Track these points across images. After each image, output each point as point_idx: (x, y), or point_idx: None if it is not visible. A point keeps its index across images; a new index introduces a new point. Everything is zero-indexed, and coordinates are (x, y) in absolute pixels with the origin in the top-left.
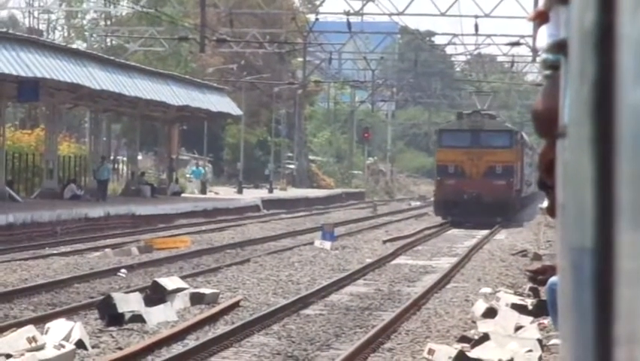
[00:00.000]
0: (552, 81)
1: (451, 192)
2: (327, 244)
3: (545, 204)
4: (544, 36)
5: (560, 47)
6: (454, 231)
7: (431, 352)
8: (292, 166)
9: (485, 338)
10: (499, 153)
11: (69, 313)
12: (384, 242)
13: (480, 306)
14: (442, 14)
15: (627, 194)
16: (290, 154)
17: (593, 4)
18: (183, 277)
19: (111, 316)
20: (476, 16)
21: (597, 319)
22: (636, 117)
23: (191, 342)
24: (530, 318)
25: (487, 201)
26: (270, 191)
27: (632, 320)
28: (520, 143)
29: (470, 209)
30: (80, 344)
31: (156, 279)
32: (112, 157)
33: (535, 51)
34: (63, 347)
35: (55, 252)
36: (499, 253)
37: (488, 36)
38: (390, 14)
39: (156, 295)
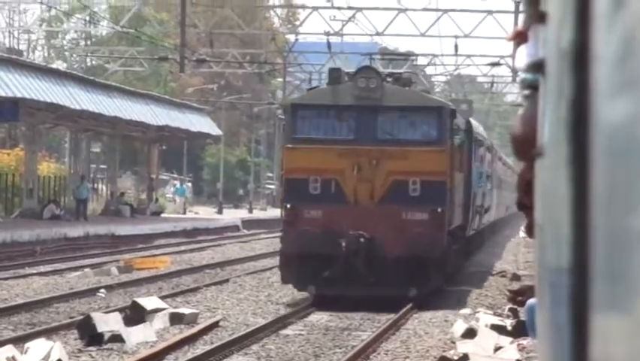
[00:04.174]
0: (530, 105)
1: (314, 237)
2: None
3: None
4: (524, 56)
5: (538, 67)
6: (318, 317)
7: None
8: (272, 186)
9: (465, 358)
10: (417, 156)
11: (48, 333)
12: None
13: (459, 327)
14: (422, 34)
15: (603, 214)
16: (270, 174)
17: (569, 23)
18: (163, 297)
19: (90, 336)
20: (456, 37)
21: (573, 339)
22: (611, 134)
23: None
24: (510, 338)
25: (391, 254)
26: (250, 211)
27: (606, 340)
28: (463, 135)
29: (354, 271)
30: None
31: (135, 299)
32: (92, 176)
33: (514, 71)
34: None
35: (34, 271)
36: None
37: (468, 56)
38: (371, 34)
39: (136, 315)
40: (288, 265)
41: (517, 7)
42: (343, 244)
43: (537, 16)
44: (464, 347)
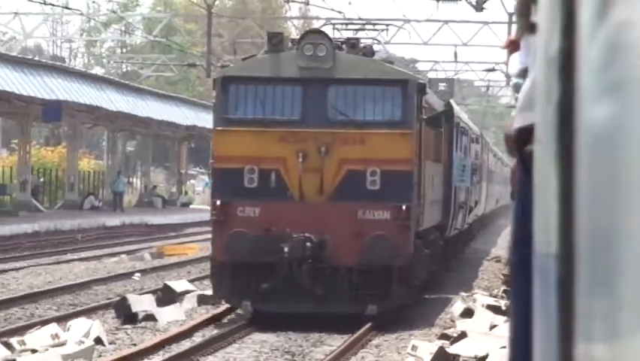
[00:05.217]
0: None
1: (249, 241)
2: None
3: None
4: (516, 63)
5: (528, 73)
6: (258, 337)
7: (414, 348)
8: None
9: (463, 335)
10: (377, 140)
11: (88, 312)
12: None
13: (458, 307)
14: (425, 43)
15: (586, 204)
16: None
17: (556, 32)
18: (191, 281)
19: (126, 315)
20: (455, 45)
21: (561, 319)
22: (593, 134)
23: (198, 339)
24: (504, 318)
25: (344, 262)
26: None
27: (590, 320)
28: (440, 118)
29: (300, 282)
30: (98, 341)
31: (167, 282)
32: (127, 171)
33: (508, 76)
34: (83, 343)
35: (76, 257)
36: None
37: (466, 63)
38: (378, 43)
39: (167, 296)
40: (219, 274)
41: (510, 18)
42: (285, 249)
43: (528, 27)
44: (463, 325)
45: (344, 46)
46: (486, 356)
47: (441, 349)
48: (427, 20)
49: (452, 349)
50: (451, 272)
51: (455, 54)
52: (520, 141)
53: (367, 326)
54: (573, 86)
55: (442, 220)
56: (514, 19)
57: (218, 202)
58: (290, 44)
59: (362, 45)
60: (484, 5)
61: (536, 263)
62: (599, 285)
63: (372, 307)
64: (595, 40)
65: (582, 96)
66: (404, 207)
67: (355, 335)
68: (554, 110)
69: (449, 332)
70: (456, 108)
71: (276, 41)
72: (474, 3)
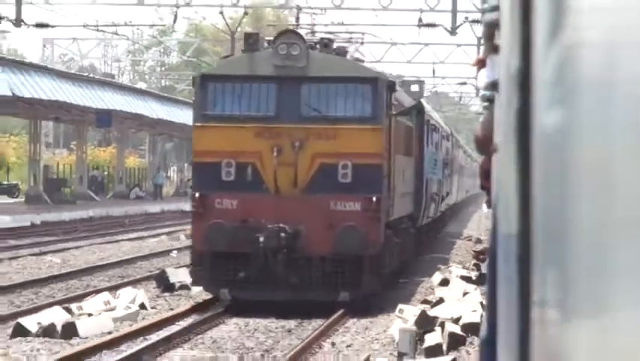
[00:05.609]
0: (488, 114)
1: (227, 232)
2: None
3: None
4: (484, 77)
5: (494, 86)
6: (234, 325)
7: (401, 311)
8: None
9: (441, 300)
10: (348, 135)
11: (134, 283)
12: None
13: (437, 278)
14: (409, 62)
15: (540, 194)
16: None
17: (516, 54)
18: None
19: (165, 285)
20: (433, 63)
21: (520, 288)
22: (546, 137)
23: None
24: (474, 286)
25: (317, 251)
26: None
27: (543, 289)
28: (411, 115)
29: (275, 270)
30: (142, 306)
31: None
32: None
33: (477, 89)
34: (130, 308)
35: (124, 238)
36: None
37: (443, 78)
38: (370, 62)
39: None
40: (199, 264)
41: (479, 41)
42: (261, 239)
43: (493, 48)
44: (441, 292)
45: (318, 45)
46: (460, 318)
47: (423, 312)
48: (411, 43)
49: (432, 312)
50: (423, 256)
51: (433, 70)
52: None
53: (340, 312)
54: (529, 98)
55: (414, 210)
56: (482, 42)
57: (197, 195)
58: (266, 44)
59: (335, 46)
60: (457, 30)
61: (500, 242)
62: (550, 260)
63: (344, 294)
64: (547, 60)
65: (537, 106)
66: (374, 198)
67: (330, 320)
68: (514, 118)
69: (429, 298)
70: (427, 107)
71: (252, 41)
72: (449, 28)
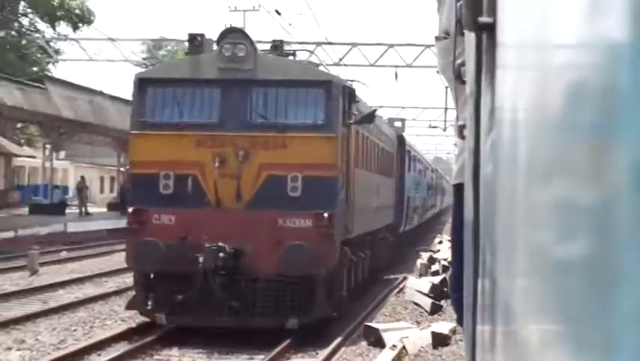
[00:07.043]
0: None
1: (164, 250)
2: None
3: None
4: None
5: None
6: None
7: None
8: None
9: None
10: (299, 144)
11: None
12: None
13: (425, 255)
14: (371, 65)
15: (483, 205)
16: None
17: (471, 138)
18: None
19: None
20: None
21: (473, 261)
22: (484, 174)
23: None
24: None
25: (263, 273)
26: None
27: (483, 262)
28: (368, 116)
29: (216, 293)
30: None
31: None
32: None
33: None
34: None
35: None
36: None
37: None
38: (327, 65)
39: None
40: (137, 284)
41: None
42: (201, 259)
43: (460, 133)
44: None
45: (274, 49)
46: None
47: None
48: (375, 44)
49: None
50: (407, 256)
51: (395, 74)
52: (456, 186)
53: (286, 342)
54: (479, 160)
55: (395, 221)
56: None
57: (131, 209)
58: (215, 46)
59: (287, 49)
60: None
61: (465, 227)
62: (487, 240)
63: (292, 320)
64: (486, 141)
65: (482, 163)
66: (326, 214)
67: (271, 354)
68: (472, 167)
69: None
70: (409, 142)
71: (197, 42)
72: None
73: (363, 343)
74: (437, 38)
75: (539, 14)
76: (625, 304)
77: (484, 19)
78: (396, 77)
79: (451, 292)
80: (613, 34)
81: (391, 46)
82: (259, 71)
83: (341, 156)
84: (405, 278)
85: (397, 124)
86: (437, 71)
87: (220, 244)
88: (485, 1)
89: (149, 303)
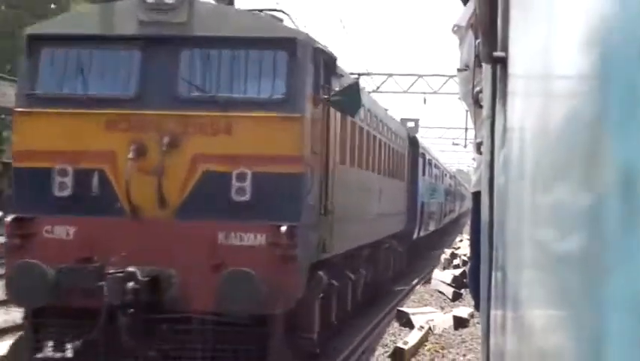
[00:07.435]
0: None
1: (44, 278)
2: None
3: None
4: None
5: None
6: None
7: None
8: None
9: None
10: (250, 128)
11: None
12: None
13: (447, 251)
14: (404, 92)
15: (497, 209)
16: None
17: (487, 152)
18: None
19: None
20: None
21: (489, 256)
22: (498, 186)
23: None
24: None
25: (196, 309)
26: None
27: (500, 254)
28: (351, 90)
29: (122, 339)
30: None
31: None
32: None
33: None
34: None
35: None
36: None
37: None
38: (368, 92)
39: None
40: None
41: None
42: (105, 289)
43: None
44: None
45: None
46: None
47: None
48: (407, 74)
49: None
50: (430, 252)
51: (425, 100)
52: (474, 193)
53: None
54: (493, 173)
55: (407, 227)
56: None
57: (11, 218)
58: None
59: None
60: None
61: (482, 228)
62: (499, 240)
63: (251, 347)
64: (499, 156)
65: (496, 174)
66: (284, 227)
67: None
68: (487, 177)
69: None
70: (423, 144)
71: None
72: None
73: (396, 324)
74: (459, 70)
75: (543, 50)
76: (615, 293)
77: (498, 53)
78: (424, 102)
79: (470, 282)
80: (603, 69)
81: (421, 76)
82: (195, 25)
83: (311, 146)
84: (432, 269)
85: (410, 124)
86: (459, 98)
87: (130, 269)
88: (499, 39)
89: (43, 348)
